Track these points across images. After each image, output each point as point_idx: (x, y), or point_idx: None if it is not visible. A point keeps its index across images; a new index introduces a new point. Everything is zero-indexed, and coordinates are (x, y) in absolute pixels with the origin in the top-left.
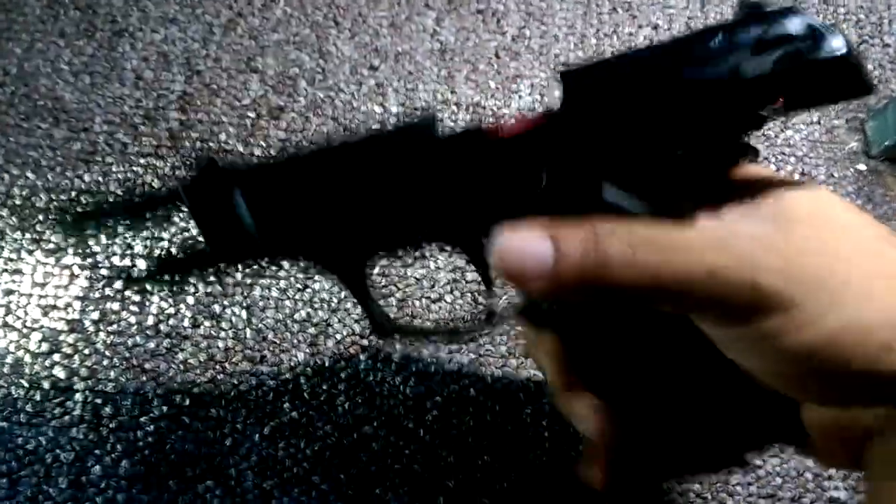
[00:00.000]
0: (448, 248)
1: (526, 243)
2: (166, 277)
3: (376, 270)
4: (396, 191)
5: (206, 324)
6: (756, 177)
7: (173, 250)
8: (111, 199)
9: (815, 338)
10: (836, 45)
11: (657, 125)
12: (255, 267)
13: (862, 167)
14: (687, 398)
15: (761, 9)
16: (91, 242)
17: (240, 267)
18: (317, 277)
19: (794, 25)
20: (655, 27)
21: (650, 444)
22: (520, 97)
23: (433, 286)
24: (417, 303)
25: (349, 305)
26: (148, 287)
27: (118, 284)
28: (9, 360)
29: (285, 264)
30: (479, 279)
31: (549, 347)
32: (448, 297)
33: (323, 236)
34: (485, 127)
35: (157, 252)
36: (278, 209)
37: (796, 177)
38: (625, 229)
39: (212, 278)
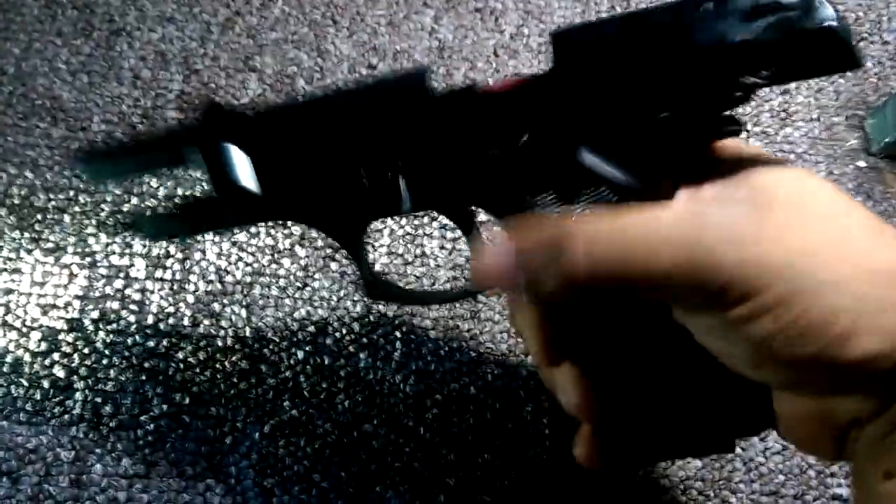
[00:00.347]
0: (454, 247)
1: (494, 256)
2: (174, 229)
3: (377, 267)
4: (387, 146)
5: (206, 322)
6: (738, 153)
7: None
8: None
9: (774, 325)
10: (827, 15)
11: (641, 88)
12: (254, 266)
13: (861, 164)
14: (672, 376)
15: None
16: (91, 241)
17: (240, 230)
18: (317, 276)
19: None
20: None
21: (634, 420)
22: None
23: (433, 284)
24: None
25: (349, 304)
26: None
27: (118, 283)
28: (8, 359)
29: (285, 262)
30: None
31: (531, 317)
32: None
33: (321, 195)
34: (478, 86)
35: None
36: (278, 165)
37: None
38: (585, 227)
39: (212, 277)
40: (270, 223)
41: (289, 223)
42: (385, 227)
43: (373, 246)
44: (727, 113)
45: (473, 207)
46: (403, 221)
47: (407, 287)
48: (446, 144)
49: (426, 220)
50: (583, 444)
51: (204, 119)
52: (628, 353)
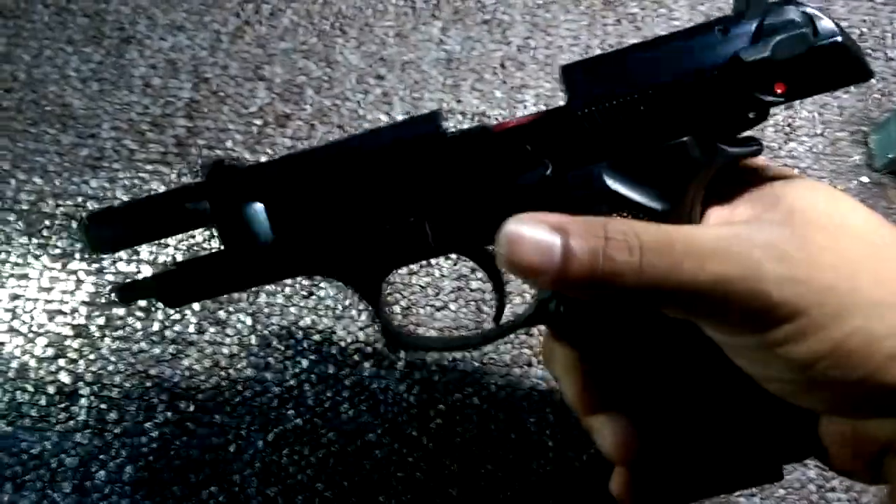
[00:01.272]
0: (458, 257)
1: (535, 235)
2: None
3: None
4: (407, 190)
5: (212, 330)
6: (766, 172)
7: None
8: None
9: (820, 346)
10: (829, 29)
11: (660, 114)
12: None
13: (865, 180)
14: (713, 408)
15: (758, 3)
16: None
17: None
18: (322, 284)
19: (791, 14)
20: None
21: (677, 460)
22: (525, 107)
23: (438, 294)
24: (422, 310)
25: (353, 313)
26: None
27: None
28: (14, 364)
29: None
30: (483, 288)
31: (566, 363)
32: (452, 306)
33: (340, 245)
34: (490, 125)
35: (163, 259)
36: (294, 216)
37: None
38: (633, 233)
39: None
40: None
41: None
42: None
43: None
44: (746, 133)
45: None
46: None
47: (422, 331)
48: (467, 184)
49: None
50: (620, 481)
51: (210, 176)
52: (668, 391)
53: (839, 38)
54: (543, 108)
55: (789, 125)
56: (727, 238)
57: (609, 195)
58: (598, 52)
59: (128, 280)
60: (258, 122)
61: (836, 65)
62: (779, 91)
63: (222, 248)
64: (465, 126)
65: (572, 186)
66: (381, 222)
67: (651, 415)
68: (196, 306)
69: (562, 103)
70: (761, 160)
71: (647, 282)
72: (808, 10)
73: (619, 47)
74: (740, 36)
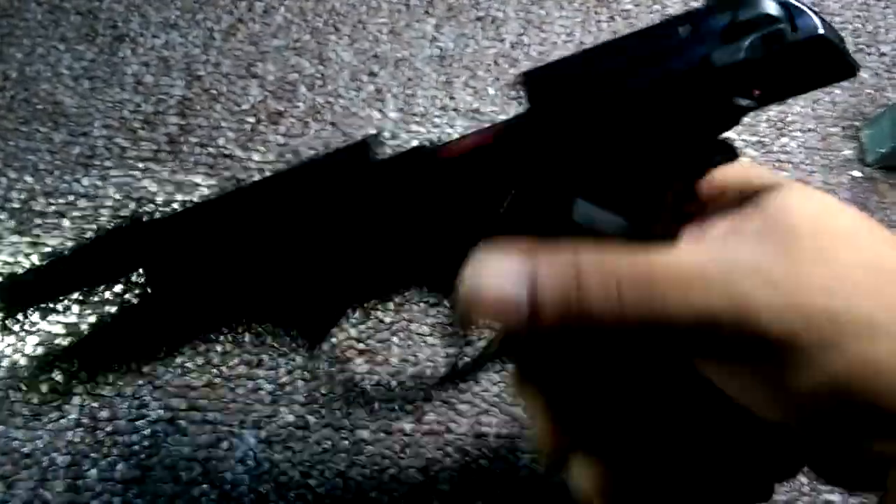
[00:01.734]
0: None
1: (498, 276)
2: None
3: None
4: (342, 227)
5: None
6: (740, 179)
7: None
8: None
9: (819, 378)
10: (810, 24)
11: (628, 126)
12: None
13: (857, 174)
14: (699, 435)
15: None
16: None
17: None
18: None
19: (766, 7)
20: None
21: (661, 492)
22: (518, 104)
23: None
24: (416, 307)
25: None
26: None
27: (117, 288)
28: (5, 363)
29: None
30: None
31: (535, 404)
32: (447, 301)
33: (284, 300)
34: (430, 147)
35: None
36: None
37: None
38: (608, 262)
39: None
40: None
41: None
42: None
43: None
44: (720, 138)
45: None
46: None
47: (415, 327)
48: (414, 221)
49: None
50: None
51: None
52: (649, 422)
53: (821, 32)
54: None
55: (781, 120)
56: (707, 263)
57: (574, 227)
58: None
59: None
60: (251, 119)
61: (818, 62)
62: (756, 94)
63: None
64: (459, 123)
65: (533, 218)
66: (316, 267)
67: (630, 450)
68: None
69: (516, 114)
70: (738, 166)
71: (628, 320)
72: (786, 0)
73: (578, 50)
74: (711, 35)
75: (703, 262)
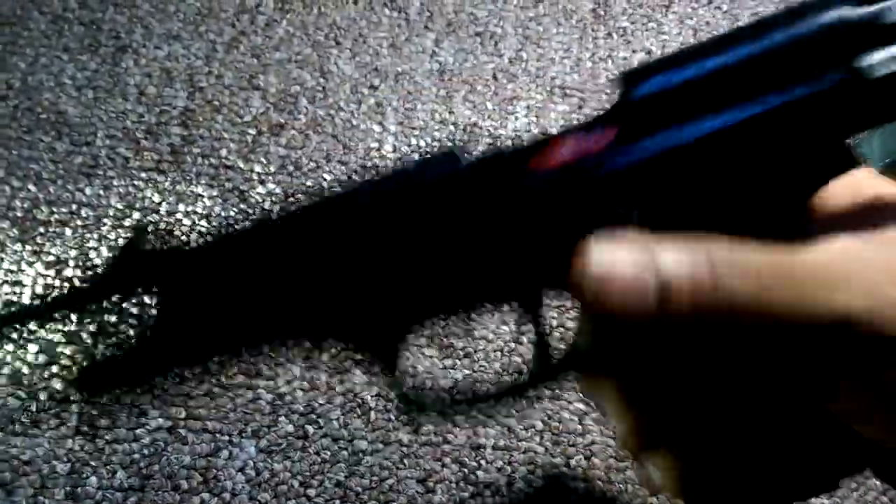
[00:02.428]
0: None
1: (626, 262)
2: None
3: None
4: (426, 241)
5: None
6: (850, 186)
7: None
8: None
9: None
10: None
11: (770, 138)
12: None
13: None
14: (769, 428)
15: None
16: (92, 255)
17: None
18: None
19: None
20: (649, 52)
21: (732, 482)
22: (516, 118)
23: None
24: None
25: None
26: None
27: (116, 298)
28: (6, 370)
29: None
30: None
31: (617, 400)
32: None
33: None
34: (518, 151)
35: None
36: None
37: None
38: (745, 252)
39: None
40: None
41: None
42: None
43: None
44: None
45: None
46: None
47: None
48: (494, 232)
49: None
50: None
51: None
52: (732, 419)
53: None
54: (534, 119)
55: None
56: (847, 262)
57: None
58: (588, 64)
59: None
60: (252, 131)
61: None
62: None
63: None
64: (458, 136)
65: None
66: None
67: (709, 444)
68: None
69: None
70: (860, 174)
71: (764, 313)
72: None
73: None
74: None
75: (844, 261)
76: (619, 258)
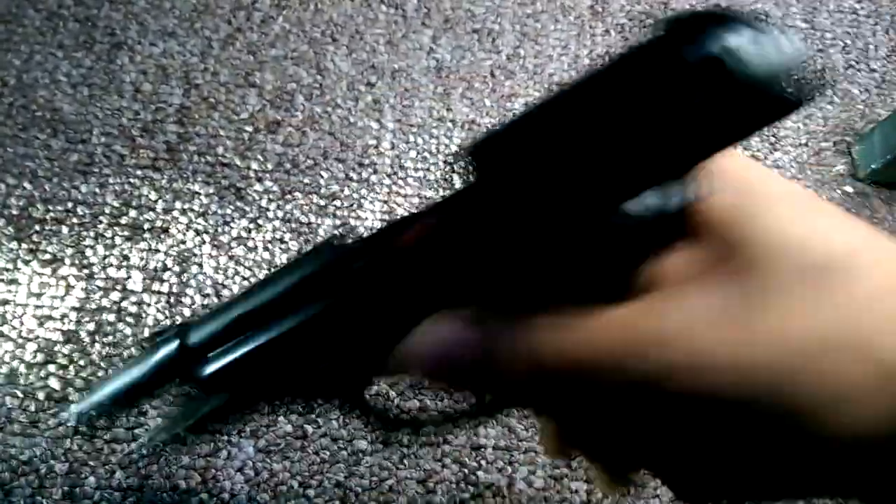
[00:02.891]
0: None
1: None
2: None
3: None
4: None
5: None
6: (716, 214)
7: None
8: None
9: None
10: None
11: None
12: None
13: (849, 189)
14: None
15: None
16: (88, 253)
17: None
18: None
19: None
20: None
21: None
22: (514, 115)
23: None
24: None
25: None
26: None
27: (115, 295)
28: (3, 370)
29: None
30: None
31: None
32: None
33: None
34: (385, 232)
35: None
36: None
37: None
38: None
39: (209, 290)
40: (268, 239)
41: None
42: None
43: None
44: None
45: None
46: None
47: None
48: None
49: None
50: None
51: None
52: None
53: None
54: None
55: (774, 135)
56: (666, 321)
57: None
58: (586, 61)
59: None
60: (249, 128)
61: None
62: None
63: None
64: (456, 134)
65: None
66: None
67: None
68: (187, 312)
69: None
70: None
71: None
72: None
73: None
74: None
75: (662, 320)
76: (461, 346)
